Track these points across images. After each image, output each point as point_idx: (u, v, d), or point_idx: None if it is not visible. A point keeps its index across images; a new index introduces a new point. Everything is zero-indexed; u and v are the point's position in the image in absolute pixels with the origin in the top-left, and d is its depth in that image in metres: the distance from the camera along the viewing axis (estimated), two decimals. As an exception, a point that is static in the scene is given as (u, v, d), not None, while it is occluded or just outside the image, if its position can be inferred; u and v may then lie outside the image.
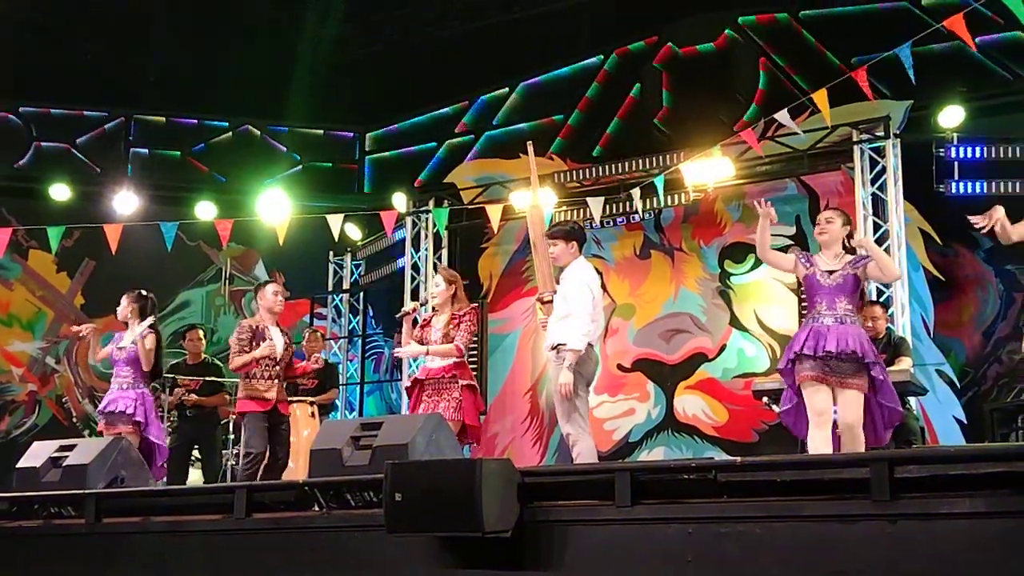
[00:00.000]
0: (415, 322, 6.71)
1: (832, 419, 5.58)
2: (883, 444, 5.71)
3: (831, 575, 3.71)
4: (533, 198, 7.09)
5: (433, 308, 6.76)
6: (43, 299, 12.99)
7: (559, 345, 6.00)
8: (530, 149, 7.30)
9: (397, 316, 6.77)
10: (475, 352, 11.40)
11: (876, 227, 9.74)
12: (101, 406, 7.48)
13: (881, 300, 9.24)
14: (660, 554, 4.06)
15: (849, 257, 5.76)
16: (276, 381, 7.17)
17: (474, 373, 11.15)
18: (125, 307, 7.55)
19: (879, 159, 9.85)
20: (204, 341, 9.71)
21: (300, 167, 13.79)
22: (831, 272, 5.72)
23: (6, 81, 12.68)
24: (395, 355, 6.73)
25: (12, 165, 13.11)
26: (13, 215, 12.26)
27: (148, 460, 7.05)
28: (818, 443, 5.50)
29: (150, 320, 7.44)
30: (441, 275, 6.81)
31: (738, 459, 4.25)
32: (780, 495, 3.91)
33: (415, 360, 6.80)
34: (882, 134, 9.83)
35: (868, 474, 3.71)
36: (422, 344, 6.65)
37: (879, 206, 9.81)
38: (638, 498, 4.16)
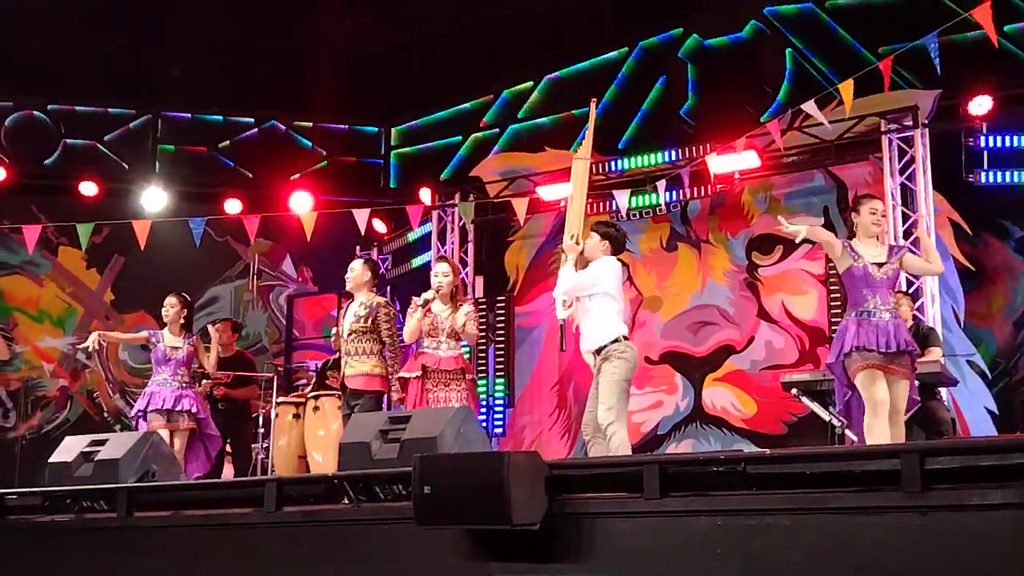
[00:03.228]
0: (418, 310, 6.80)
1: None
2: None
3: (861, 567, 3.69)
4: (584, 150, 7.10)
5: (436, 295, 6.78)
6: (73, 295, 13.10)
7: (602, 348, 6.07)
8: (592, 105, 7.40)
9: (420, 303, 6.78)
10: (502, 345, 11.44)
11: (905, 217, 9.67)
12: (156, 404, 7.72)
13: (910, 291, 9.18)
14: (689, 546, 4.05)
15: (886, 248, 5.75)
16: None
17: (500, 366, 11.34)
18: (178, 309, 7.92)
19: (908, 149, 9.77)
20: (233, 336, 9.75)
21: (326, 162, 13.83)
22: (881, 265, 5.68)
23: (34, 79, 12.78)
24: (412, 329, 6.77)
25: (41, 163, 13.20)
26: (43, 212, 12.33)
27: (205, 453, 7.84)
28: (878, 432, 5.47)
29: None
30: (449, 265, 6.94)
31: (767, 451, 4.25)
32: (810, 487, 3.90)
33: (419, 347, 6.86)
34: (911, 123, 9.76)
35: (899, 466, 3.69)
36: (434, 332, 6.70)
37: (908, 196, 9.74)
38: (667, 490, 4.16)
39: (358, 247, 13.04)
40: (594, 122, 7.21)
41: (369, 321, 7.03)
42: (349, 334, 7.07)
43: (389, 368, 6.98)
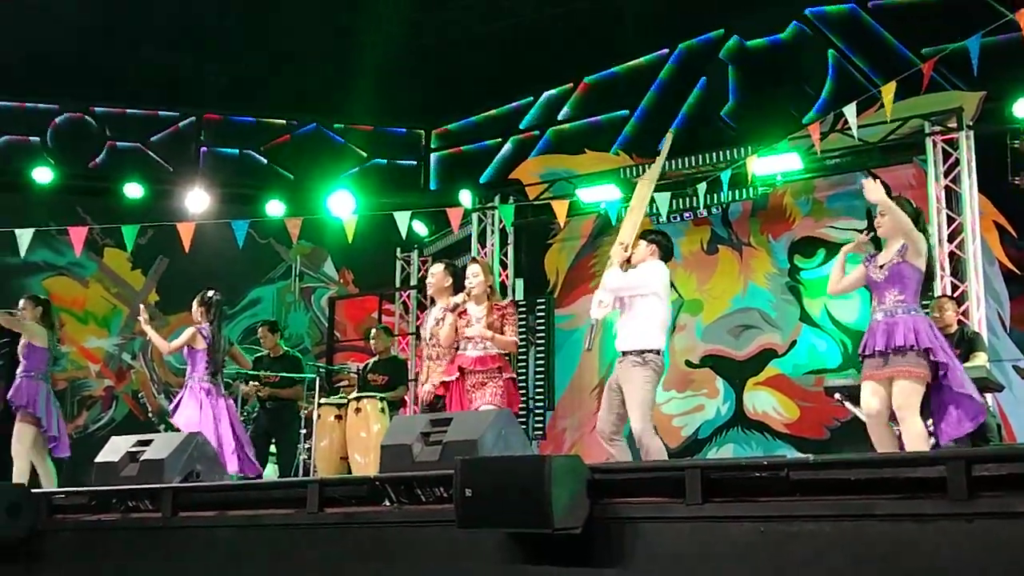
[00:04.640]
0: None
1: (887, 415, 5.48)
2: (964, 432, 5.53)
3: (905, 575, 3.67)
4: (652, 174, 7.32)
5: (468, 297, 6.78)
6: (118, 296, 13.25)
7: (643, 351, 6.07)
8: (668, 136, 7.63)
9: (446, 308, 6.78)
10: (542, 348, 11.44)
11: (950, 220, 9.57)
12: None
13: (955, 294, 9.08)
14: (731, 552, 4.04)
15: (898, 245, 5.66)
16: None
17: (540, 369, 11.34)
18: (196, 308, 7.98)
19: (952, 151, 9.67)
20: (274, 336, 9.83)
21: (367, 165, 13.91)
22: (882, 266, 5.64)
23: (80, 83, 12.94)
24: (448, 332, 6.72)
25: (87, 165, 13.39)
26: (88, 214, 12.48)
27: None
28: (875, 443, 5.47)
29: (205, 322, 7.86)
30: (480, 265, 6.87)
31: (810, 457, 4.21)
32: (853, 494, 3.86)
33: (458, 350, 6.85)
34: (955, 126, 9.66)
35: (944, 472, 3.65)
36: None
37: (952, 199, 9.64)
38: (709, 496, 4.14)
39: (398, 249, 13.11)
40: (666, 152, 7.46)
41: None
42: (431, 338, 6.99)
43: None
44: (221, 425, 7.70)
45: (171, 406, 7.90)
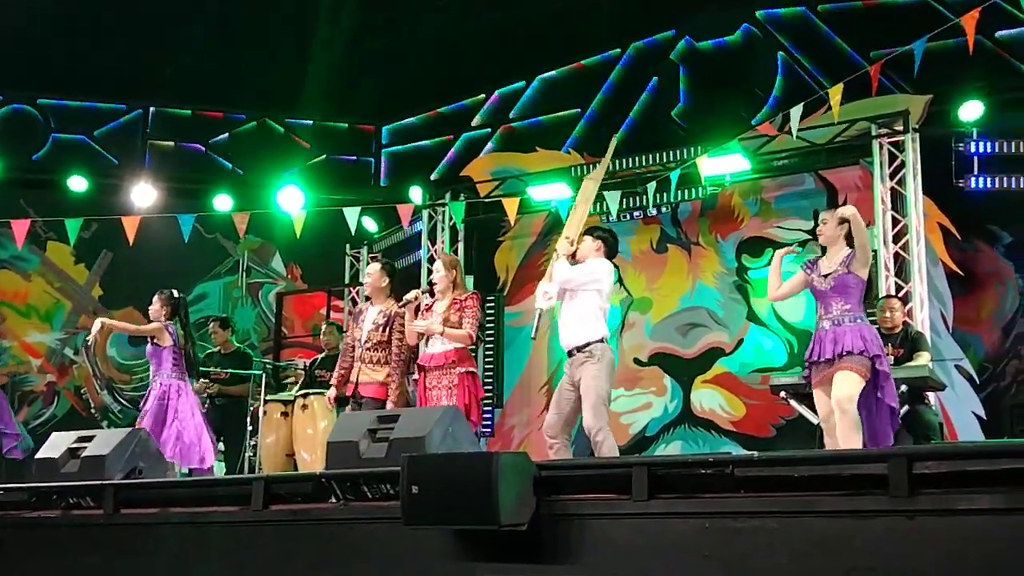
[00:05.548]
0: (417, 309, 6.72)
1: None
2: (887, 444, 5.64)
3: (848, 571, 3.70)
4: (596, 174, 7.38)
5: (433, 294, 6.77)
6: (61, 290, 13.07)
7: (585, 345, 6.07)
8: (613, 140, 7.86)
9: (399, 306, 6.76)
10: (491, 345, 11.43)
11: (895, 222, 9.69)
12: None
13: (900, 295, 9.20)
14: (676, 548, 4.05)
15: (843, 255, 5.72)
16: None
17: (489, 366, 11.32)
18: (157, 307, 7.82)
19: (898, 154, 9.79)
20: (225, 332, 9.74)
21: (317, 160, 13.81)
22: (826, 275, 5.70)
23: (24, 73, 12.73)
24: (410, 330, 6.70)
25: (30, 157, 13.18)
26: (31, 206, 12.28)
27: None
28: (831, 446, 5.56)
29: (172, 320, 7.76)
30: (442, 260, 6.86)
31: (755, 454, 4.24)
32: (797, 490, 3.89)
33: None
34: (901, 128, 9.77)
35: (886, 470, 3.69)
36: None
37: (898, 201, 9.75)
38: (655, 492, 4.15)
39: (348, 245, 13.04)
40: (611, 154, 7.61)
41: (387, 331, 6.90)
42: (366, 341, 6.93)
43: (392, 375, 6.89)
44: (195, 418, 7.68)
45: (143, 405, 7.70)
